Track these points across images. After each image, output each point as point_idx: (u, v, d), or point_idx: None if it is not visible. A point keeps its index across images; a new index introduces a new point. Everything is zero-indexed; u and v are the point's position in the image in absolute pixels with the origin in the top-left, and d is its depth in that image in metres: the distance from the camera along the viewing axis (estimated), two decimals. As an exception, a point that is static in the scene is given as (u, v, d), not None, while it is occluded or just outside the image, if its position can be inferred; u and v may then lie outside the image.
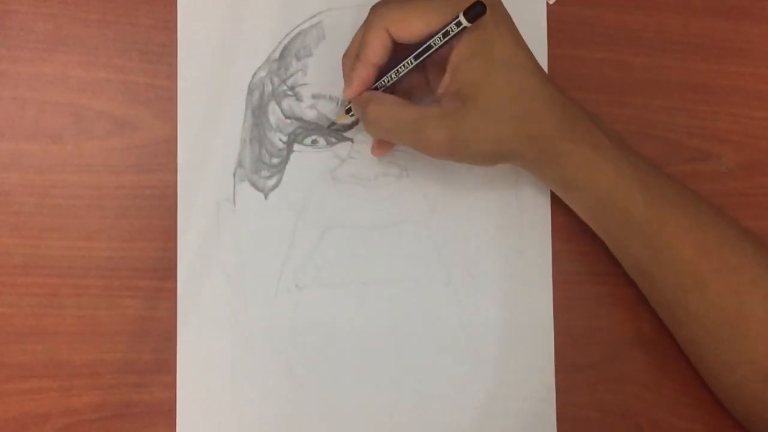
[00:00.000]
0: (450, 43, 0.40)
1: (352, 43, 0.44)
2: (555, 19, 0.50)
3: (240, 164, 0.46)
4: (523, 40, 0.42)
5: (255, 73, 0.46)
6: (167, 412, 0.45)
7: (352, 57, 0.43)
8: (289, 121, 0.46)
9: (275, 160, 0.46)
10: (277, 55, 0.46)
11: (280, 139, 0.46)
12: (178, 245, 0.45)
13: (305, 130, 0.46)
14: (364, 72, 0.42)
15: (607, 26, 0.50)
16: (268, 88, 0.46)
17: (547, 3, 0.50)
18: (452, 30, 0.40)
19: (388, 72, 0.42)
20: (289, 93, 0.46)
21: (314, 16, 0.47)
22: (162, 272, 0.45)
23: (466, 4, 0.38)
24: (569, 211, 0.49)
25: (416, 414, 0.46)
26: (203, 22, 0.46)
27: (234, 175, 0.46)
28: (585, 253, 0.49)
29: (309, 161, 0.46)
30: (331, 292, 0.46)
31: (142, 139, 0.45)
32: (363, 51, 0.42)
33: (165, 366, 0.45)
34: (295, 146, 0.46)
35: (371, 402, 0.46)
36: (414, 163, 0.47)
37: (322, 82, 0.46)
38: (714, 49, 0.52)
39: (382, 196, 0.47)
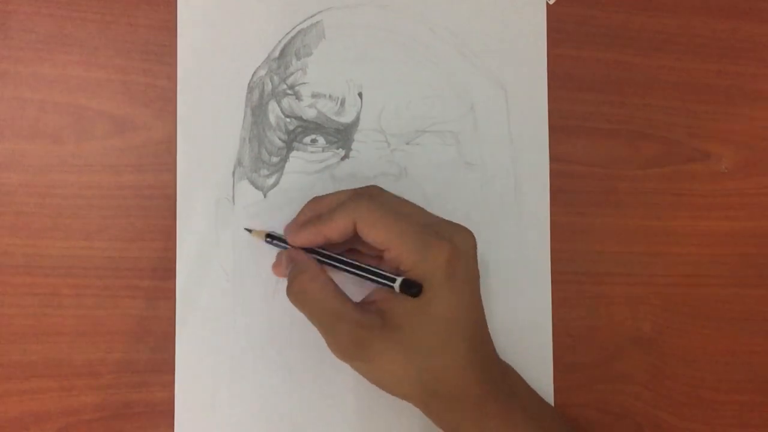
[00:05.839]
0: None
1: (327, 197, 0.43)
2: (555, 19, 0.50)
3: (239, 163, 0.46)
4: (470, 299, 0.41)
5: (255, 72, 0.46)
6: (167, 411, 0.45)
7: (317, 209, 0.43)
8: (288, 119, 0.46)
9: (274, 159, 0.46)
10: (277, 53, 0.46)
11: (280, 138, 0.46)
12: (177, 243, 0.45)
13: (305, 129, 0.46)
14: (316, 237, 0.42)
15: (607, 26, 0.51)
16: (268, 86, 0.46)
17: (547, 3, 0.50)
18: (389, 282, 0.41)
19: (333, 250, 0.43)
20: (289, 92, 0.46)
21: (314, 15, 0.47)
22: (162, 272, 0.45)
23: (431, 263, 0.39)
24: (569, 210, 0.49)
25: (414, 413, 0.46)
26: (203, 21, 0.46)
27: (233, 173, 0.46)
28: (585, 253, 0.49)
29: (308, 160, 0.46)
30: (330, 291, 0.46)
31: (142, 139, 0.45)
32: (326, 222, 0.41)
33: (165, 366, 0.45)
34: (295, 145, 0.46)
35: (369, 401, 0.46)
36: (413, 162, 0.47)
37: (321, 81, 0.46)
38: (714, 49, 0.52)
39: (381, 196, 0.47)
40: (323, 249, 0.43)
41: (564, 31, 0.50)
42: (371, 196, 0.42)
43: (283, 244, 0.44)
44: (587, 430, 0.49)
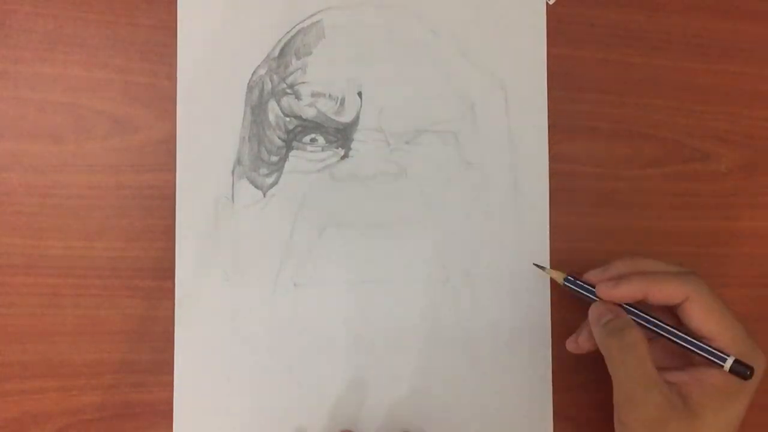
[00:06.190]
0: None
1: (649, 260, 0.43)
2: (555, 19, 0.50)
3: (239, 162, 0.46)
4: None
5: (254, 71, 0.46)
6: (167, 411, 0.45)
7: (637, 268, 0.43)
8: (288, 119, 0.46)
9: (274, 158, 0.46)
10: (276, 53, 0.46)
11: (279, 137, 0.46)
12: (176, 242, 0.45)
13: (304, 128, 0.46)
14: (637, 294, 0.41)
15: (607, 26, 0.50)
16: (268, 86, 0.46)
17: (547, 3, 0.50)
18: (714, 359, 0.41)
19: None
20: (289, 91, 0.46)
21: (314, 14, 0.47)
22: (162, 272, 0.45)
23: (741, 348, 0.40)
24: (569, 210, 0.49)
25: (414, 413, 0.46)
26: (203, 21, 0.46)
27: (233, 172, 0.46)
28: (585, 252, 0.49)
29: (308, 159, 0.46)
30: (329, 291, 0.46)
31: (142, 139, 0.45)
32: (657, 283, 0.41)
33: (165, 366, 0.45)
34: (294, 144, 0.46)
35: (369, 401, 0.46)
36: (413, 162, 0.47)
37: (321, 81, 0.46)
38: (714, 49, 0.52)
39: (380, 195, 0.47)
40: (640, 310, 0.42)
41: (564, 31, 0.50)
42: (692, 276, 0.42)
43: (583, 292, 0.44)
44: (587, 429, 0.49)
